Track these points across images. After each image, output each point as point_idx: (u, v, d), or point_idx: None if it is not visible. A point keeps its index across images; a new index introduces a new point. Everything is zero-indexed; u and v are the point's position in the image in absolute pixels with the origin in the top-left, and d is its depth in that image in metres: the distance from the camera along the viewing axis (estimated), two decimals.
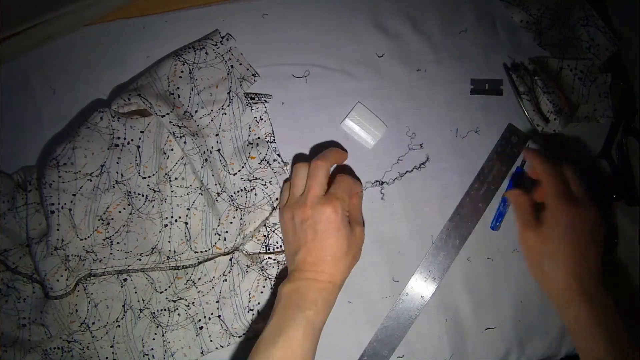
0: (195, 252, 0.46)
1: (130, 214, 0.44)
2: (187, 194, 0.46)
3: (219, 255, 0.46)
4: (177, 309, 0.46)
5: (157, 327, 0.45)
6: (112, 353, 0.44)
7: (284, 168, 0.48)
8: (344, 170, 0.49)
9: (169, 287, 0.46)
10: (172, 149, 0.46)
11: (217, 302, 0.46)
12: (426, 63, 0.52)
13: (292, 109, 0.50)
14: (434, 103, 0.52)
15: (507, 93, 0.53)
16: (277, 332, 0.38)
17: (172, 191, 0.46)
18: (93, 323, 0.44)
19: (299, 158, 0.49)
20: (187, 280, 0.46)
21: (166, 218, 0.46)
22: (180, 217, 0.46)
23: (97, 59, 0.49)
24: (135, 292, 0.45)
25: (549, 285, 0.39)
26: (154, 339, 0.45)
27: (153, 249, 0.45)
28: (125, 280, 0.45)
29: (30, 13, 0.45)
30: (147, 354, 0.45)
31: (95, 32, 0.49)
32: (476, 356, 0.49)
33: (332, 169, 0.45)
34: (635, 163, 0.52)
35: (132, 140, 0.45)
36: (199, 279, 0.46)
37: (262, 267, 0.47)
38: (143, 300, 0.45)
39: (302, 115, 0.50)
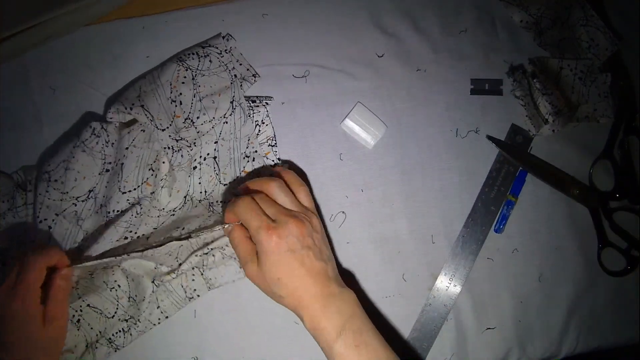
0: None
1: None
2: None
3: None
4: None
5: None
6: (52, 221, 0.42)
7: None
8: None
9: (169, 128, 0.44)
10: (159, 167, 0.44)
11: (216, 142, 0.46)
12: (426, 63, 0.52)
13: (292, 109, 0.50)
14: (434, 103, 0.52)
15: (507, 93, 0.53)
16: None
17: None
18: (55, 180, 0.43)
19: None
20: (186, 119, 0.45)
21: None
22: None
23: (97, 59, 0.49)
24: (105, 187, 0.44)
25: (289, 305, 0.40)
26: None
27: (90, 191, 0.44)
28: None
29: (30, 13, 0.45)
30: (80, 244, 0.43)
31: (95, 32, 0.49)
32: (476, 356, 0.49)
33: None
34: (637, 162, 0.52)
35: (119, 160, 0.44)
36: (198, 117, 0.45)
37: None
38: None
39: (302, 115, 0.50)
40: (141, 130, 0.44)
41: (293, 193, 0.43)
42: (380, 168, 0.50)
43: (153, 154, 0.44)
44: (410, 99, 0.51)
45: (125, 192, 0.43)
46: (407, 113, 0.51)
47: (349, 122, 0.50)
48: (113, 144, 0.44)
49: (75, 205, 0.43)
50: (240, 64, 0.49)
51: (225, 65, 0.47)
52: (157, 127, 0.43)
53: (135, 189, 0.44)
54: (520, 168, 0.51)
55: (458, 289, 0.49)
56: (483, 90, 0.52)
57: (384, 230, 0.50)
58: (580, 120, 0.51)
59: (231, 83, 0.47)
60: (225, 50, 0.48)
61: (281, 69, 0.50)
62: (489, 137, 0.51)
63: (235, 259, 0.45)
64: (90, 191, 0.43)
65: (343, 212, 0.49)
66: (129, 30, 0.49)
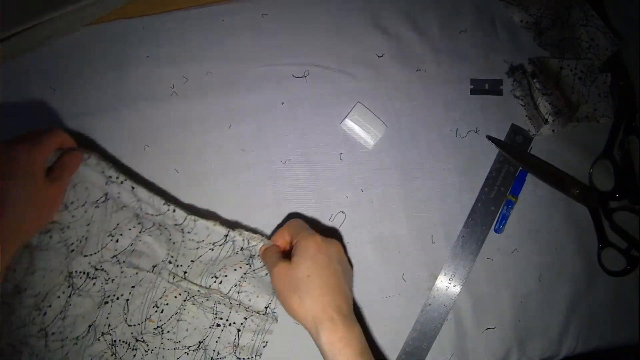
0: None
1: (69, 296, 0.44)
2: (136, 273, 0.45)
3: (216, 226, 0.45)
4: (137, 349, 0.45)
5: (112, 355, 0.44)
6: None
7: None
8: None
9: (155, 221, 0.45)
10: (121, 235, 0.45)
11: (192, 261, 0.45)
12: (426, 63, 0.52)
13: (292, 109, 0.50)
14: (434, 103, 0.52)
15: (507, 93, 0.53)
16: None
17: (121, 272, 0.45)
18: (53, 333, 0.43)
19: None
20: (175, 225, 0.45)
21: (108, 297, 0.45)
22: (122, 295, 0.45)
23: (97, 59, 0.49)
24: (107, 317, 0.45)
25: (304, 309, 0.38)
26: None
27: (90, 326, 0.44)
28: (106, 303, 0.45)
29: (30, 13, 0.45)
30: None
31: (95, 32, 0.49)
32: (476, 356, 0.49)
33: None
34: (637, 162, 0.52)
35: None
36: (189, 232, 0.45)
37: (252, 255, 0.45)
38: (109, 326, 0.45)
39: (302, 115, 0.50)
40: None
41: None
42: (380, 168, 0.50)
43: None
44: (410, 99, 0.51)
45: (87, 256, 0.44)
46: (407, 113, 0.51)
47: (349, 122, 0.50)
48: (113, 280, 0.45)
49: (77, 344, 0.43)
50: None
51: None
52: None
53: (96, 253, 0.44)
54: (520, 168, 0.51)
55: (458, 289, 0.49)
56: (483, 90, 0.52)
57: (383, 230, 0.50)
58: (580, 120, 0.51)
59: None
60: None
61: (281, 69, 0.50)
62: (489, 137, 0.51)
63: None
64: (89, 326, 0.44)
65: (343, 212, 0.49)
66: (129, 30, 0.49)
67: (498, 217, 0.51)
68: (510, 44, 0.53)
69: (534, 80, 0.50)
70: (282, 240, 0.44)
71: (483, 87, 0.52)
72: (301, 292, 0.38)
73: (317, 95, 0.50)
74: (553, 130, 0.50)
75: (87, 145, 0.47)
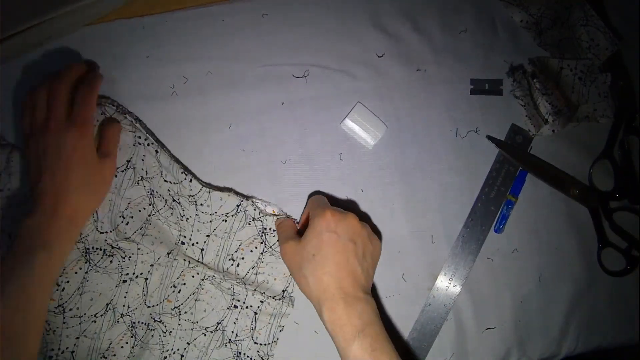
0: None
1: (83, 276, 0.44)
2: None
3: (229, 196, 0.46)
4: (154, 329, 0.45)
5: (132, 337, 0.45)
6: (74, 345, 0.43)
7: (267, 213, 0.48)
8: None
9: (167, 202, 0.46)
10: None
11: (208, 236, 0.46)
12: (426, 63, 0.52)
13: (292, 109, 0.50)
14: (434, 103, 0.52)
15: (507, 93, 0.53)
16: (7, 277, 0.34)
17: (138, 249, 0.45)
18: (70, 309, 0.43)
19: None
20: (189, 196, 0.46)
21: (127, 274, 0.45)
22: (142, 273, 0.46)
23: (97, 59, 0.49)
24: (125, 297, 0.45)
25: (308, 288, 0.38)
26: (122, 347, 0.44)
27: (107, 304, 0.45)
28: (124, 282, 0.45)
29: (30, 13, 0.45)
30: (106, 358, 0.44)
31: (95, 32, 0.49)
32: (476, 356, 0.49)
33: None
34: (637, 162, 0.52)
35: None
36: (201, 204, 0.46)
37: (264, 228, 0.47)
38: (128, 307, 0.45)
39: (302, 115, 0.50)
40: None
41: None
42: (380, 168, 0.50)
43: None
44: (410, 99, 0.51)
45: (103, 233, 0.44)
46: (407, 113, 0.51)
47: (349, 122, 0.50)
48: (130, 257, 0.45)
49: (95, 322, 0.44)
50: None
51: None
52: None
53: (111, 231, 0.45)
54: (520, 168, 0.51)
55: (458, 289, 0.49)
56: (483, 90, 0.52)
57: (384, 230, 0.49)
58: (580, 120, 0.51)
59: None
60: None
61: (281, 69, 0.50)
62: (489, 137, 0.51)
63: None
64: (107, 304, 0.44)
65: None
66: (129, 30, 0.49)
67: (498, 217, 0.51)
68: (510, 44, 0.53)
69: (534, 80, 0.50)
70: (304, 217, 0.44)
71: (483, 87, 0.52)
72: (306, 271, 0.38)
73: (317, 95, 0.50)
74: (553, 130, 0.50)
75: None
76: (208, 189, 0.46)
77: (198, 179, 0.47)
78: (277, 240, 0.46)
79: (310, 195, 0.49)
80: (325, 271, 0.38)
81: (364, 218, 0.49)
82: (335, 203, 0.46)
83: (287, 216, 0.47)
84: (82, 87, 0.38)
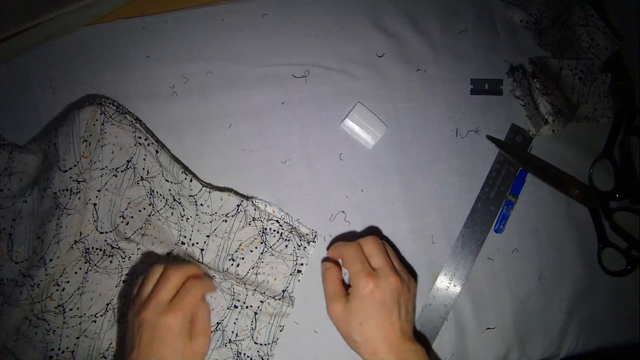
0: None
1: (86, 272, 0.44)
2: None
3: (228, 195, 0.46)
4: None
5: None
6: (74, 345, 0.43)
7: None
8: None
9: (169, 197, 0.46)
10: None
11: (208, 236, 0.46)
12: (426, 63, 0.52)
13: (292, 109, 0.50)
14: (434, 103, 0.52)
15: (507, 93, 0.53)
16: None
17: (138, 249, 0.45)
18: (70, 309, 0.43)
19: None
20: (190, 196, 0.46)
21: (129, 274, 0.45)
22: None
23: (97, 59, 0.49)
24: (125, 297, 0.45)
25: (361, 352, 0.41)
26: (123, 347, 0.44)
27: (108, 304, 0.45)
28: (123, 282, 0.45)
29: (30, 13, 0.45)
30: (106, 358, 0.44)
31: (95, 32, 0.49)
32: (476, 356, 0.49)
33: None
34: (638, 162, 0.52)
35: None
36: (202, 204, 0.46)
37: (264, 229, 0.47)
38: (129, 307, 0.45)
39: (302, 115, 0.50)
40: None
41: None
42: (380, 168, 0.50)
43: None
44: (410, 99, 0.51)
45: (103, 233, 0.44)
46: (407, 113, 0.51)
47: (349, 122, 0.50)
48: (129, 258, 0.45)
49: (95, 322, 0.44)
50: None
51: (133, 125, 0.46)
52: (60, 169, 0.43)
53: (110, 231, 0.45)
54: (520, 168, 0.51)
55: (458, 289, 0.49)
56: (483, 90, 0.52)
57: (384, 230, 0.49)
58: (580, 120, 0.51)
59: (135, 145, 0.45)
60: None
61: (281, 69, 0.50)
62: (489, 137, 0.51)
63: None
64: (107, 304, 0.44)
65: (343, 211, 0.49)
66: (129, 30, 0.49)
67: (498, 217, 0.51)
68: (510, 44, 0.53)
69: (534, 80, 0.50)
70: (338, 257, 0.45)
71: (483, 87, 0.52)
72: (356, 337, 0.41)
73: (317, 95, 0.50)
74: (553, 130, 0.50)
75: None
76: (208, 189, 0.46)
77: (198, 179, 0.47)
78: (278, 240, 0.47)
79: (335, 240, 0.48)
80: (374, 336, 0.40)
81: (392, 245, 0.49)
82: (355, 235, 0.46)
83: (292, 227, 0.47)
84: (193, 279, 0.41)
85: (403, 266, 0.44)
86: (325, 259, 0.48)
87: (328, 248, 0.48)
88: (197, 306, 0.40)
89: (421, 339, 0.47)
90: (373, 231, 0.49)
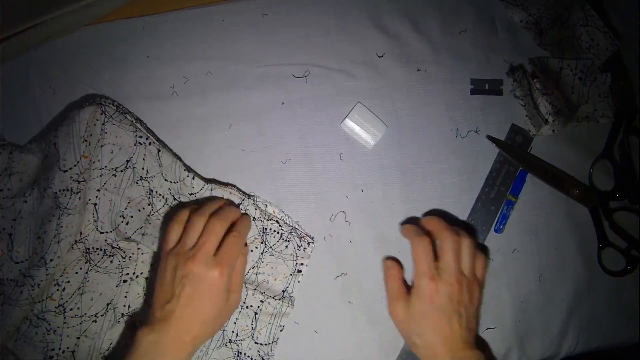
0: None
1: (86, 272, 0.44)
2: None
3: None
4: None
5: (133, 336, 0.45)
6: (75, 345, 0.43)
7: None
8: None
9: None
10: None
11: None
12: (426, 63, 0.52)
13: (292, 109, 0.50)
14: (434, 103, 0.52)
15: (507, 93, 0.53)
16: None
17: (138, 249, 0.45)
18: (71, 309, 0.43)
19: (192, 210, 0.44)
20: (190, 194, 0.46)
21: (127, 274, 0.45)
22: (142, 273, 0.46)
23: (97, 59, 0.49)
24: (125, 297, 0.45)
25: (422, 355, 0.42)
26: (123, 347, 0.44)
27: (108, 304, 0.45)
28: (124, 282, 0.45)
29: (30, 13, 0.45)
30: (107, 358, 0.44)
31: (95, 32, 0.49)
32: None
33: None
34: (637, 162, 0.52)
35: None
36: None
37: (265, 229, 0.47)
38: (129, 307, 0.45)
39: (302, 115, 0.50)
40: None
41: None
42: (380, 168, 0.50)
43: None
44: (410, 99, 0.51)
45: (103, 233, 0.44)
46: (407, 113, 0.51)
47: (349, 122, 0.50)
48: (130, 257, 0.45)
49: (95, 322, 0.44)
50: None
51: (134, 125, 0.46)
52: (60, 169, 0.43)
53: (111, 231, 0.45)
54: (520, 168, 0.51)
55: None
56: (483, 90, 0.52)
57: (384, 230, 0.49)
58: (580, 120, 0.51)
59: (135, 144, 0.45)
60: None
61: (281, 69, 0.50)
62: (489, 137, 0.51)
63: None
64: (108, 304, 0.44)
65: (343, 211, 0.49)
66: (129, 30, 0.49)
67: (498, 217, 0.51)
68: (510, 44, 0.53)
69: (534, 80, 0.50)
70: (409, 237, 0.45)
71: (483, 87, 0.52)
72: (416, 340, 0.42)
73: (317, 95, 0.50)
74: (553, 130, 0.50)
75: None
76: (210, 187, 0.46)
77: (201, 177, 0.47)
78: (278, 241, 0.47)
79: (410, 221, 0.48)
80: (433, 342, 0.41)
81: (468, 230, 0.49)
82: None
83: (292, 227, 0.47)
84: (233, 232, 0.41)
85: (485, 270, 0.44)
86: (387, 258, 0.48)
87: (403, 223, 0.49)
88: (237, 259, 0.41)
89: (483, 348, 0.47)
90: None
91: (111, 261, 0.44)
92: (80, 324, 0.43)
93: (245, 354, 0.46)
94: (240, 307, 0.46)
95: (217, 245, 0.40)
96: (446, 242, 0.42)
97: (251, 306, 0.46)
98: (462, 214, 0.51)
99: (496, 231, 0.50)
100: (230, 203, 0.45)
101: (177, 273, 0.39)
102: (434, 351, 0.40)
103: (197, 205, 0.44)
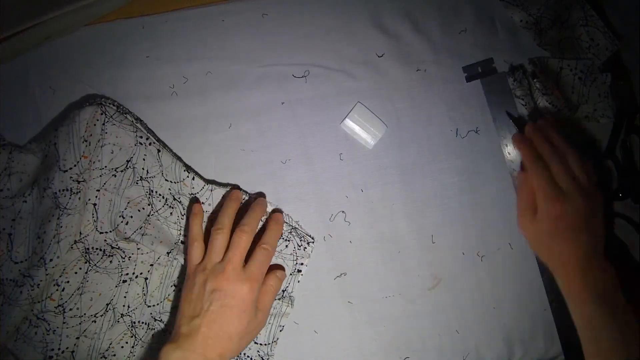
0: (149, 307, 0.46)
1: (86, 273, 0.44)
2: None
3: None
4: (155, 328, 0.46)
5: (132, 337, 0.45)
6: (74, 345, 0.43)
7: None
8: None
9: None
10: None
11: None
12: (426, 63, 0.52)
13: (292, 109, 0.50)
14: (434, 103, 0.52)
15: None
16: None
17: (138, 249, 0.46)
18: (70, 309, 0.43)
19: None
20: (191, 194, 0.46)
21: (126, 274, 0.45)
22: (141, 273, 0.46)
23: (97, 59, 0.49)
24: (125, 297, 0.45)
25: (553, 270, 0.43)
26: (122, 347, 0.45)
27: (107, 304, 0.45)
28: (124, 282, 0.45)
29: (30, 13, 0.45)
30: (106, 358, 0.44)
31: (95, 32, 0.49)
32: (479, 356, 0.49)
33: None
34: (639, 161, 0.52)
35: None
36: (203, 202, 0.46)
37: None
38: (129, 307, 0.45)
39: (302, 115, 0.50)
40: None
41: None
42: (380, 168, 0.50)
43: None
44: (410, 99, 0.51)
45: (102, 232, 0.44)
46: (407, 113, 0.51)
47: (349, 122, 0.50)
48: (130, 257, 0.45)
49: (95, 322, 0.44)
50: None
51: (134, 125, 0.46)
52: (60, 168, 0.43)
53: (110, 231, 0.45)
54: None
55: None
56: (477, 74, 0.52)
57: (384, 230, 0.49)
58: (580, 120, 0.51)
59: (135, 144, 0.45)
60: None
61: (281, 69, 0.50)
62: (508, 113, 0.51)
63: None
64: (107, 304, 0.45)
65: (343, 211, 0.49)
66: (129, 30, 0.49)
67: None
68: (510, 44, 0.53)
69: (534, 80, 0.50)
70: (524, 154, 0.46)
71: (476, 72, 0.52)
72: (542, 251, 0.44)
73: (317, 95, 0.50)
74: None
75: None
76: (211, 187, 0.46)
77: (201, 177, 0.47)
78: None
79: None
80: (560, 251, 0.42)
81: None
82: None
83: (292, 227, 0.47)
84: (262, 245, 0.42)
85: (592, 184, 0.44)
86: (522, 170, 0.48)
87: (517, 133, 0.49)
88: (265, 283, 0.41)
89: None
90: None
91: (111, 261, 0.44)
92: (80, 324, 0.43)
93: (245, 354, 0.46)
94: None
95: (244, 257, 0.40)
96: (554, 162, 0.43)
97: None
98: (462, 214, 0.50)
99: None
100: (256, 204, 0.45)
101: (207, 288, 0.39)
102: (565, 269, 0.41)
103: (202, 211, 0.44)
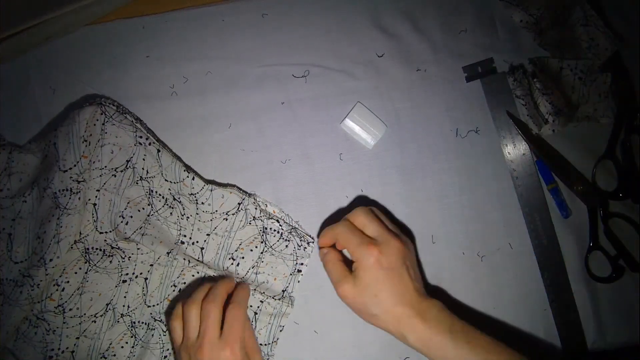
0: (148, 306, 0.46)
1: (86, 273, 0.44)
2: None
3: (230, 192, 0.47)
4: (155, 328, 0.45)
5: (132, 337, 0.45)
6: (74, 345, 0.43)
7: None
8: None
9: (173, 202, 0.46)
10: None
11: (208, 235, 0.46)
12: (426, 63, 0.52)
13: (292, 109, 0.50)
14: (434, 103, 0.52)
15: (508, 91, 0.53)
16: None
17: (138, 249, 0.46)
18: (70, 309, 0.43)
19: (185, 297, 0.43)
20: (190, 194, 0.46)
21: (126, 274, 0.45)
22: (141, 273, 0.46)
23: (97, 59, 0.49)
24: (125, 297, 0.45)
25: (383, 323, 0.41)
26: (122, 347, 0.45)
27: (107, 304, 0.45)
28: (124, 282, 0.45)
29: (30, 13, 0.45)
30: (106, 358, 0.44)
31: (95, 32, 0.49)
32: None
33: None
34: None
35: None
36: (202, 202, 0.46)
37: (265, 228, 0.47)
38: (128, 307, 0.45)
39: (302, 115, 0.50)
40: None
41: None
42: (380, 168, 0.50)
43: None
44: (410, 99, 0.51)
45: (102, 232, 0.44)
46: (407, 113, 0.51)
47: (349, 122, 0.50)
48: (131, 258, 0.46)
49: (95, 322, 0.44)
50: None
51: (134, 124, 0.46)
52: (60, 169, 0.43)
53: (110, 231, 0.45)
54: (536, 159, 0.51)
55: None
56: (477, 74, 0.52)
57: None
58: (580, 120, 0.51)
59: (135, 144, 0.45)
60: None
61: (281, 69, 0.50)
62: (509, 114, 0.51)
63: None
64: (107, 304, 0.45)
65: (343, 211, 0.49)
66: (129, 30, 0.49)
67: (557, 205, 0.51)
68: (510, 44, 0.53)
69: (534, 80, 0.50)
70: (331, 242, 0.44)
71: (476, 71, 0.52)
72: (374, 310, 0.40)
73: (317, 95, 0.50)
74: (553, 130, 0.50)
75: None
76: (210, 187, 0.46)
77: (201, 177, 0.47)
78: (278, 240, 0.47)
79: (325, 222, 0.48)
80: (393, 303, 0.40)
81: (387, 214, 0.49)
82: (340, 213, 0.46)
83: (292, 227, 0.47)
84: (232, 306, 0.42)
85: (397, 227, 0.44)
86: (320, 247, 0.46)
87: (317, 236, 0.48)
88: (244, 329, 0.41)
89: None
90: (361, 201, 0.49)
91: (110, 261, 0.44)
92: (80, 324, 0.43)
93: None
94: None
95: (219, 326, 0.40)
96: (360, 219, 0.42)
97: (251, 306, 0.46)
98: (462, 214, 0.50)
99: (565, 217, 0.51)
100: (222, 279, 0.44)
101: None
102: (395, 313, 0.40)
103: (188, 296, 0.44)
